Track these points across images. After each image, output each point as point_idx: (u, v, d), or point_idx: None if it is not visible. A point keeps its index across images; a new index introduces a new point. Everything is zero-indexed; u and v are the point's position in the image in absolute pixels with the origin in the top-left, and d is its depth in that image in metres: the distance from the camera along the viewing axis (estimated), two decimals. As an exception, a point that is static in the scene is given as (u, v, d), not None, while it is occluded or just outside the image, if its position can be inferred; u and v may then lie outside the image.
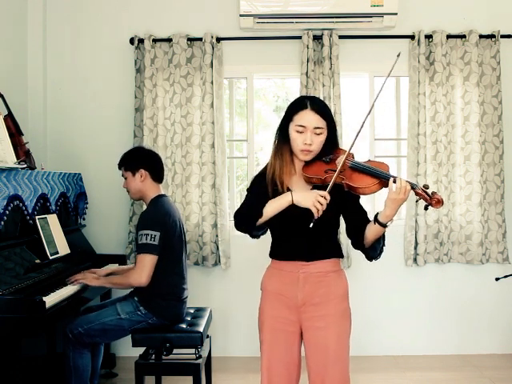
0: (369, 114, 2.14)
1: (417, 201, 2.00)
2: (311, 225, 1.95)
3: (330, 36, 3.88)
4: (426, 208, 1.97)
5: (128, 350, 3.52)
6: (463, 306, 4.03)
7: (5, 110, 3.15)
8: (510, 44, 3.98)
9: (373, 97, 4.08)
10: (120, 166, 3.08)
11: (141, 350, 2.97)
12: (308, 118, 2.03)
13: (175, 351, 2.89)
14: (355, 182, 1.98)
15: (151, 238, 2.80)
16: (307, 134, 2.03)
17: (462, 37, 3.93)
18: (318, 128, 2.04)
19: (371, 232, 2.03)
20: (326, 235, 2.10)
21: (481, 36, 3.92)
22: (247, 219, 2.08)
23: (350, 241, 2.18)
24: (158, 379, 3.21)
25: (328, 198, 1.95)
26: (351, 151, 2.07)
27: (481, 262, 3.92)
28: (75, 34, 4.05)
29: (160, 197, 3.02)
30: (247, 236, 2.18)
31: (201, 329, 2.93)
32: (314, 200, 1.95)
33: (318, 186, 2.04)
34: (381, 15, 3.78)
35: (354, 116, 4.31)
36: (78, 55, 4.06)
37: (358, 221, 2.09)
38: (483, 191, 3.91)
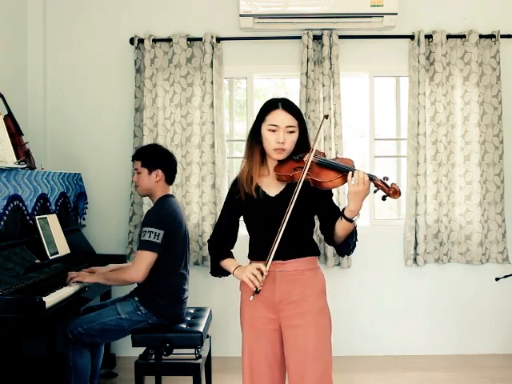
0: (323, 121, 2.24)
1: (375, 191, 2.02)
2: (251, 298, 2.02)
3: (330, 36, 3.88)
4: (383, 198, 1.99)
5: (128, 350, 3.51)
6: (463, 306, 4.03)
7: (5, 110, 3.15)
8: (510, 44, 3.98)
9: (373, 97, 4.09)
10: (136, 159, 3.04)
11: (141, 350, 2.97)
12: (280, 117, 2.08)
13: (175, 351, 2.89)
14: (320, 176, 2.03)
15: (155, 235, 2.81)
16: (280, 133, 2.07)
17: (462, 37, 3.93)
18: (290, 126, 2.09)
19: (340, 228, 2.06)
20: (300, 234, 2.12)
21: (481, 36, 3.92)
22: (212, 259, 2.23)
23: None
24: (157, 379, 3.21)
25: (264, 270, 2.01)
26: (322, 151, 2.14)
27: (481, 262, 3.92)
28: (75, 33, 4.05)
29: (168, 196, 3.02)
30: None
31: (201, 329, 2.93)
32: (247, 273, 2.02)
33: (289, 183, 2.09)
34: (381, 15, 3.78)
35: (354, 116, 4.31)
36: (77, 55, 4.06)
37: (330, 217, 2.11)
38: (483, 191, 3.91)
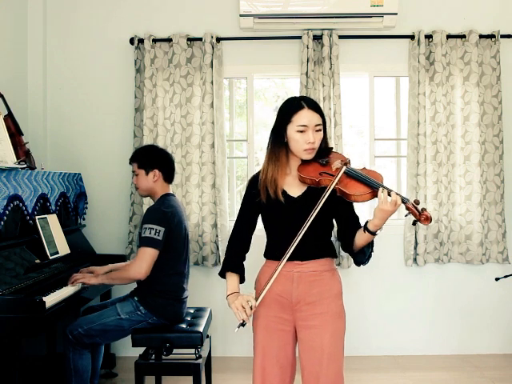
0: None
1: (406, 215, 1.99)
2: (236, 330, 2.00)
3: (330, 36, 3.88)
4: (414, 223, 1.99)
5: (128, 350, 3.52)
6: (463, 306, 4.03)
7: (5, 109, 3.15)
8: (510, 44, 3.98)
9: (373, 97, 4.09)
10: (133, 161, 3.07)
11: (141, 350, 2.97)
12: (308, 117, 2.05)
13: (175, 351, 2.89)
14: (349, 188, 2.00)
15: (156, 232, 2.81)
16: (309, 133, 2.05)
17: (462, 37, 3.93)
18: (318, 125, 2.07)
19: (360, 239, 2.06)
20: (319, 235, 2.11)
21: (481, 36, 3.92)
22: (223, 262, 2.25)
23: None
24: (157, 379, 3.22)
25: (254, 305, 2.01)
26: (347, 157, 2.10)
27: (481, 261, 3.92)
28: (75, 34, 4.05)
29: (168, 195, 3.03)
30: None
31: (201, 329, 2.93)
32: (237, 304, 2.02)
33: (312, 187, 2.07)
34: (381, 15, 3.78)
35: (354, 116, 4.31)
36: (77, 55, 4.06)
37: (349, 225, 2.11)
38: (483, 191, 3.91)
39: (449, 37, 3.92)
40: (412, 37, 3.92)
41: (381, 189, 1.94)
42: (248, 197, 2.19)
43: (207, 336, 3.16)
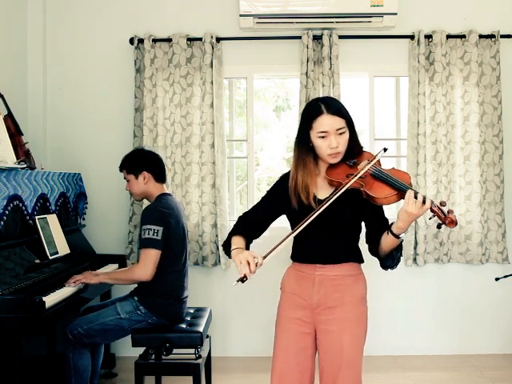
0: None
1: (430, 218, 1.93)
2: (234, 283, 1.89)
3: (330, 36, 3.88)
4: (438, 226, 1.92)
5: (128, 350, 3.52)
6: (463, 306, 4.03)
7: (5, 110, 3.15)
8: (510, 44, 3.98)
9: (373, 97, 4.09)
10: (121, 168, 3.09)
11: (141, 350, 2.97)
12: (328, 123, 1.98)
13: (175, 351, 2.88)
14: (374, 191, 1.94)
15: (154, 232, 2.81)
16: (331, 138, 1.99)
17: (462, 37, 3.93)
18: (340, 129, 2.00)
19: (385, 242, 2.00)
20: (344, 239, 2.07)
21: (480, 36, 3.92)
22: (229, 234, 2.15)
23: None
24: (157, 379, 3.22)
25: (260, 261, 1.89)
26: (378, 158, 2.02)
27: (480, 261, 3.92)
28: (75, 34, 4.05)
29: (164, 195, 3.04)
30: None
31: (201, 329, 2.93)
32: (241, 257, 1.91)
33: (336, 191, 2.00)
34: (381, 15, 3.78)
35: (354, 116, 4.30)
36: (77, 55, 4.06)
37: (376, 228, 2.05)
38: (483, 191, 3.91)
39: (449, 37, 3.92)
40: (412, 37, 3.92)
41: (409, 191, 1.88)
42: (277, 192, 2.13)
43: (207, 336, 3.16)
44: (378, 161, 2.04)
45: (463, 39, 3.92)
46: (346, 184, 1.95)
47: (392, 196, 1.93)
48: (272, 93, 4.54)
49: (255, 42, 4.01)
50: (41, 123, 3.97)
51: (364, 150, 2.13)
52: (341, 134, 2.01)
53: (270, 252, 1.94)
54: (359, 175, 1.96)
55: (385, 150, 2.01)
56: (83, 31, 4.05)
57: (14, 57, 3.78)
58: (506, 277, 3.60)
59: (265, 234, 2.19)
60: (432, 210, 1.89)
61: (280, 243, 1.95)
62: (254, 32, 3.95)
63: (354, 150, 2.07)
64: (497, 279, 3.62)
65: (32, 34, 3.94)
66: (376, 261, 2.13)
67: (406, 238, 3.94)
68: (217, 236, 3.91)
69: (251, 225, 2.15)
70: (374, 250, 2.08)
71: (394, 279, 4.02)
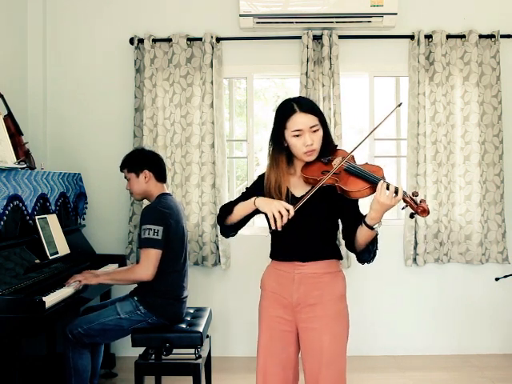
0: (373, 130, 2.20)
1: (403, 208, 1.96)
2: (266, 234, 1.96)
3: (330, 36, 3.88)
4: (411, 216, 1.94)
5: (128, 350, 3.52)
6: (463, 306, 4.03)
7: (5, 110, 3.15)
8: (510, 44, 3.98)
9: (373, 97, 4.09)
10: (122, 167, 3.10)
11: (141, 350, 2.97)
12: (301, 121, 2.02)
13: (175, 351, 2.88)
14: (348, 185, 1.98)
15: (154, 232, 2.81)
16: (306, 136, 2.02)
17: (462, 37, 3.93)
18: (314, 126, 2.04)
19: (361, 235, 2.02)
20: (322, 236, 2.09)
21: (480, 36, 3.92)
22: (221, 213, 2.15)
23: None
24: (157, 379, 3.22)
25: (292, 212, 1.93)
26: (351, 153, 2.06)
27: (480, 261, 3.92)
28: (75, 33, 4.05)
29: (164, 194, 3.04)
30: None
31: (201, 329, 2.93)
32: (274, 209, 1.94)
33: (314, 187, 2.04)
34: (381, 15, 3.78)
35: (354, 116, 4.31)
36: (77, 55, 4.06)
37: (353, 223, 2.07)
38: (483, 191, 3.91)
39: (449, 37, 3.92)
40: (412, 37, 3.92)
41: (381, 182, 1.91)
42: (252, 193, 2.14)
43: (207, 336, 3.16)
44: (352, 156, 2.09)
45: (463, 39, 3.92)
46: (323, 180, 1.98)
47: (366, 189, 1.96)
48: (272, 93, 4.54)
49: (255, 42, 4.01)
50: (41, 123, 3.97)
51: (338, 147, 2.17)
52: (315, 131, 2.04)
53: (300, 203, 1.97)
54: (334, 170, 1.99)
55: (400, 104, 2.18)
56: (83, 31, 4.05)
57: (13, 57, 3.78)
58: (506, 277, 3.61)
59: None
60: (404, 201, 1.92)
61: (307, 195, 1.97)
62: (253, 32, 3.95)
63: (328, 148, 2.11)
64: (497, 279, 3.62)
65: (32, 34, 3.95)
66: (375, 261, 2.13)
67: (406, 238, 3.94)
68: (217, 236, 3.91)
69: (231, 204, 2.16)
70: (351, 245, 2.11)
71: (394, 279, 4.03)
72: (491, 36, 3.92)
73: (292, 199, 2.06)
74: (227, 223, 2.16)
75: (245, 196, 2.17)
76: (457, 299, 4.03)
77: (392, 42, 3.98)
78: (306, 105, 2.05)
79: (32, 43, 3.95)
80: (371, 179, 1.96)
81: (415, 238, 3.94)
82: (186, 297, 3.04)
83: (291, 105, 2.05)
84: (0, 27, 3.59)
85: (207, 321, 3.11)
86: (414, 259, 3.96)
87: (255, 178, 2.28)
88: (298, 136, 2.03)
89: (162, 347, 2.85)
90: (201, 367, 2.86)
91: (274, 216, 1.93)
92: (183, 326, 2.96)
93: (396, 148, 4.23)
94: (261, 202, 2.02)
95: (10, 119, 3.14)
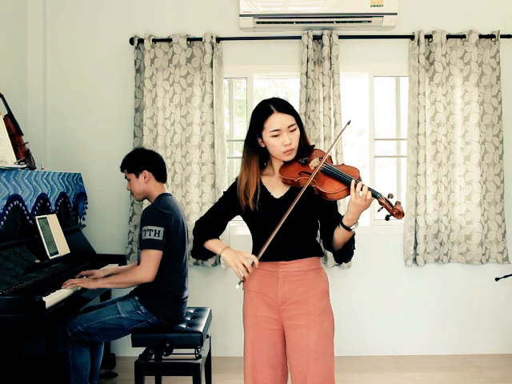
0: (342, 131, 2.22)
1: (379, 210, 1.98)
2: (237, 287, 1.99)
3: (330, 36, 3.88)
4: (387, 218, 1.96)
5: (128, 350, 3.52)
6: (463, 306, 4.03)
7: (5, 110, 3.15)
8: (510, 44, 3.98)
9: (373, 97, 4.09)
10: (123, 168, 3.10)
11: (141, 350, 2.98)
12: (279, 121, 2.04)
13: (175, 351, 2.89)
14: (325, 187, 2.00)
15: (155, 233, 2.82)
16: (284, 135, 2.05)
17: (462, 37, 3.93)
18: (291, 125, 2.06)
19: (338, 236, 2.05)
20: (303, 235, 2.12)
21: (481, 36, 3.92)
22: (196, 238, 2.18)
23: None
24: (157, 379, 3.22)
25: (256, 262, 1.98)
26: (329, 153, 2.09)
27: (481, 261, 3.92)
28: (75, 33, 4.05)
29: (165, 195, 3.04)
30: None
31: (201, 329, 2.93)
32: (236, 261, 2.00)
33: (293, 187, 2.07)
34: (381, 15, 3.78)
35: (354, 116, 4.30)
36: (77, 55, 4.06)
37: (330, 224, 2.10)
38: (483, 191, 3.91)
39: (449, 37, 3.92)
40: (412, 37, 3.93)
41: (353, 182, 1.94)
42: (230, 194, 2.18)
43: (207, 336, 3.17)
44: (330, 157, 2.11)
45: (463, 39, 3.92)
46: (305, 184, 2.00)
47: (342, 191, 1.98)
48: (272, 93, 4.53)
49: (255, 42, 4.01)
50: (41, 123, 3.97)
51: (315, 147, 2.19)
52: (292, 130, 2.07)
53: (261, 250, 2.00)
54: (314, 174, 2.01)
55: (348, 123, 2.15)
56: (83, 31, 4.05)
57: (13, 57, 3.78)
58: (506, 277, 3.61)
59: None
60: (380, 202, 1.94)
61: (268, 240, 2.00)
62: (254, 32, 3.95)
63: (305, 148, 2.13)
64: (497, 279, 3.62)
65: (32, 34, 3.94)
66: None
67: (406, 238, 3.94)
68: (217, 236, 3.90)
69: (213, 226, 2.19)
70: (328, 244, 2.13)
71: (394, 279, 4.03)
72: (491, 36, 3.92)
73: (269, 199, 2.10)
74: (203, 245, 2.18)
75: (222, 202, 2.20)
76: (457, 299, 4.03)
77: (392, 41, 3.98)
78: (282, 105, 2.08)
79: (32, 43, 3.95)
80: (346, 180, 1.98)
81: (415, 237, 3.94)
82: (187, 297, 3.04)
83: (268, 105, 2.08)
84: (0, 27, 3.59)
85: (207, 321, 3.11)
86: (414, 259, 3.96)
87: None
88: (276, 136, 2.05)
89: (162, 347, 2.85)
90: (201, 367, 2.86)
91: (237, 268, 1.99)
92: (183, 326, 2.96)
93: (396, 148, 4.23)
94: (225, 256, 2.06)
95: (10, 119, 3.14)
